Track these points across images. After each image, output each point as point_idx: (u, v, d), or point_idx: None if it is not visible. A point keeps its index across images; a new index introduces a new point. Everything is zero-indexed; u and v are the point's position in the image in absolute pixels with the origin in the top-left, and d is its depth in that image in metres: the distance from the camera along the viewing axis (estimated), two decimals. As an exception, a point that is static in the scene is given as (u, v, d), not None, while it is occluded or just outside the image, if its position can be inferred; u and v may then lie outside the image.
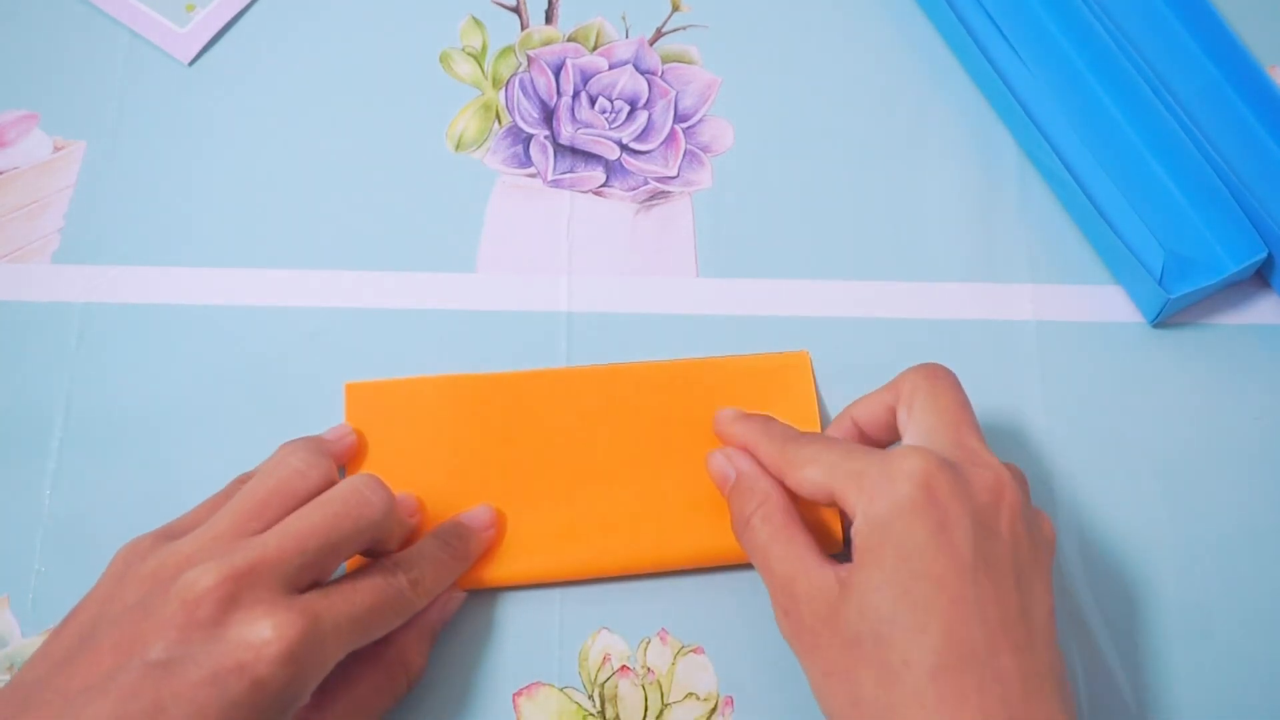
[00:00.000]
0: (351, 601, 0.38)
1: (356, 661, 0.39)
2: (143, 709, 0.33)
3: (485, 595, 0.44)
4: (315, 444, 0.42)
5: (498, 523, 0.44)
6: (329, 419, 0.46)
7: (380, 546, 0.41)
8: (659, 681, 0.43)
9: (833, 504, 0.39)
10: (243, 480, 0.42)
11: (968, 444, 0.39)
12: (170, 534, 0.39)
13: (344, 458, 0.44)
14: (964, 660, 0.35)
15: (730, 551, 0.43)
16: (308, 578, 0.37)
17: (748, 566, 0.43)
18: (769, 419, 0.44)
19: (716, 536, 0.44)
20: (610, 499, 0.45)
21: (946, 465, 0.37)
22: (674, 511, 0.45)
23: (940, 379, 0.41)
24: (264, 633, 0.35)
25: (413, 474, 0.45)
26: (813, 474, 0.39)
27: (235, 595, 0.35)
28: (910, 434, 0.40)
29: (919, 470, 0.37)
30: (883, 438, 0.42)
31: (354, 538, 0.38)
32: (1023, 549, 0.38)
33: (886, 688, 0.35)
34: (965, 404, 0.41)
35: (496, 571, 0.44)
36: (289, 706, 0.36)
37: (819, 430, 0.46)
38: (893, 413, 0.41)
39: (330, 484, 0.40)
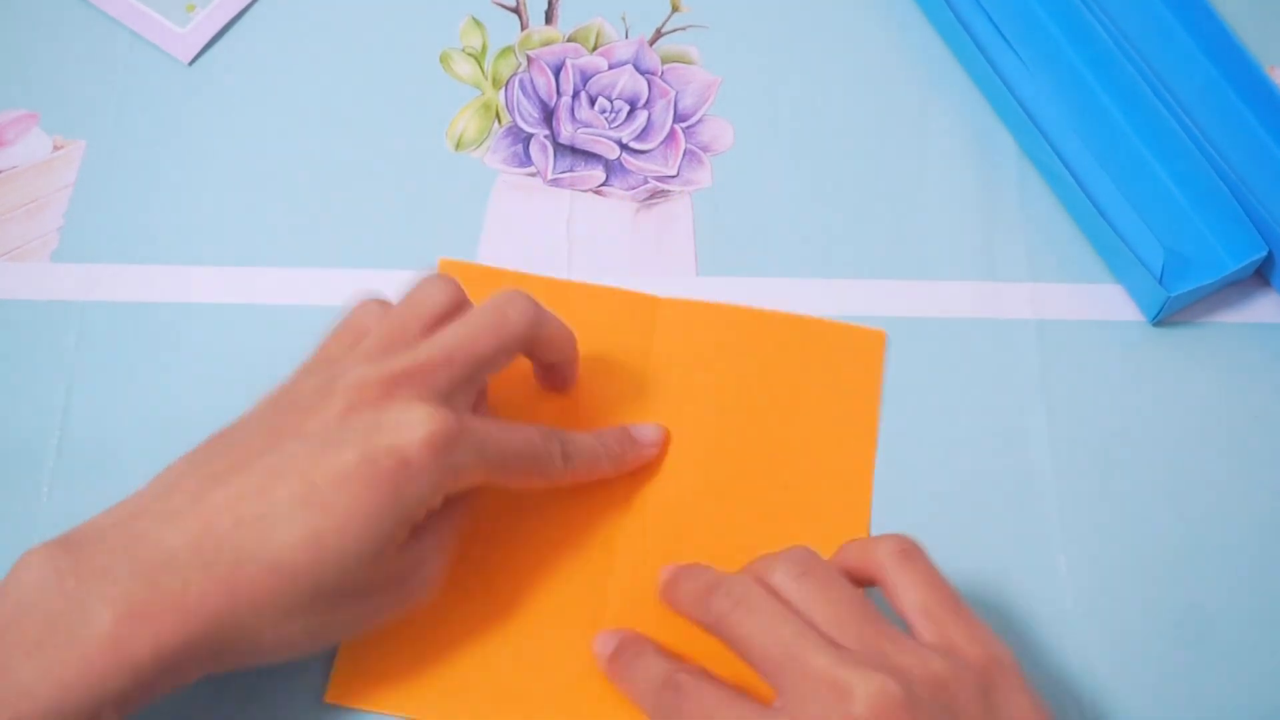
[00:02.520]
0: (503, 433, 0.40)
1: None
2: (291, 487, 0.36)
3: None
4: (445, 276, 0.43)
5: (663, 443, 0.44)
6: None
7: (544, 355, 0.43)
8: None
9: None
10: (364, 301, 0.42)
11: (947, 632, 0.36)
12: (312, 368, 0.41)
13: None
14: None
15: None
16: (456, 390, 0.39)
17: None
18: (692, 565, 0.41)
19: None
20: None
21: (911, 696, 0.33)
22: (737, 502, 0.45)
23: (908, 560, 0.38)
24: (418, 416, 0.37)
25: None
26: (756, 664, 0.36)
27: (393, 391, 0.37)
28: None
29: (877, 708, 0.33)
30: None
31: (498, 352, 0.40)
32: None
33: None
34: (935, 585, 0.37)
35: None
36: (424, 500, 0.37)
37: (877, 411, 0.46)
38: (871, 578, 0.38)
39: (464, 305, 0.42)
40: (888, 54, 0.55)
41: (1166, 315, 0.48)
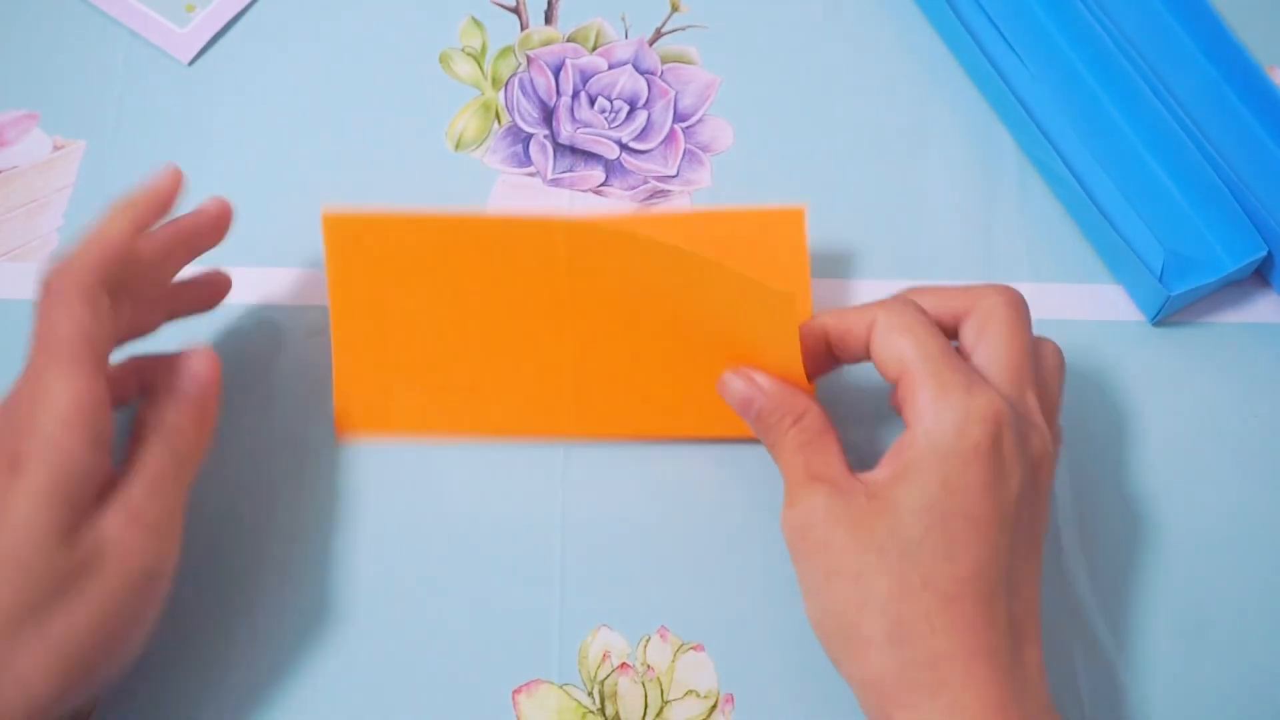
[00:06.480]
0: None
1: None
2: None
3: (483, 592, 0.44)
4: None
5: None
6: (329, 416, 0.46)
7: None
8: (659, 679, 0.43)
9: (895, 379, 0.39)
10: None
11: (1027, 398, 0.39)
12: None
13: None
14: (980, 596, 0.36)
15: (711, 424, 0.45)
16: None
17: (718, 446, 0.45)
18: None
19: (696, 403, 0.45)
20: (587, 356, 0.45)
21: (1017, 420, 0.38)
22: (655, 374, 0.45)
23: (1020, 315, 0.41)
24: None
25: (389, 313, 0.46)
26: (904, 346, 0.39)
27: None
28: (979, 361, 0.40)
29: (994, 418, 0.37)
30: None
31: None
32: (1047, 510, 0.39)
33: (899, 599, 0.36)
34: (1031, 351, 0.40)
35: (467, 421, 0.46)
36: None
37: (809, 289, 0.47)
38: (957, 320, 0.41)
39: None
40: (888, 54, 0.55)
41: (1166, 315, 0.48)
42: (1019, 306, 0.40)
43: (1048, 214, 0.51)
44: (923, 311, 0.40)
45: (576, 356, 0.45)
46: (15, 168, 0.51)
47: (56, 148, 0.52)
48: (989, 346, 0.40)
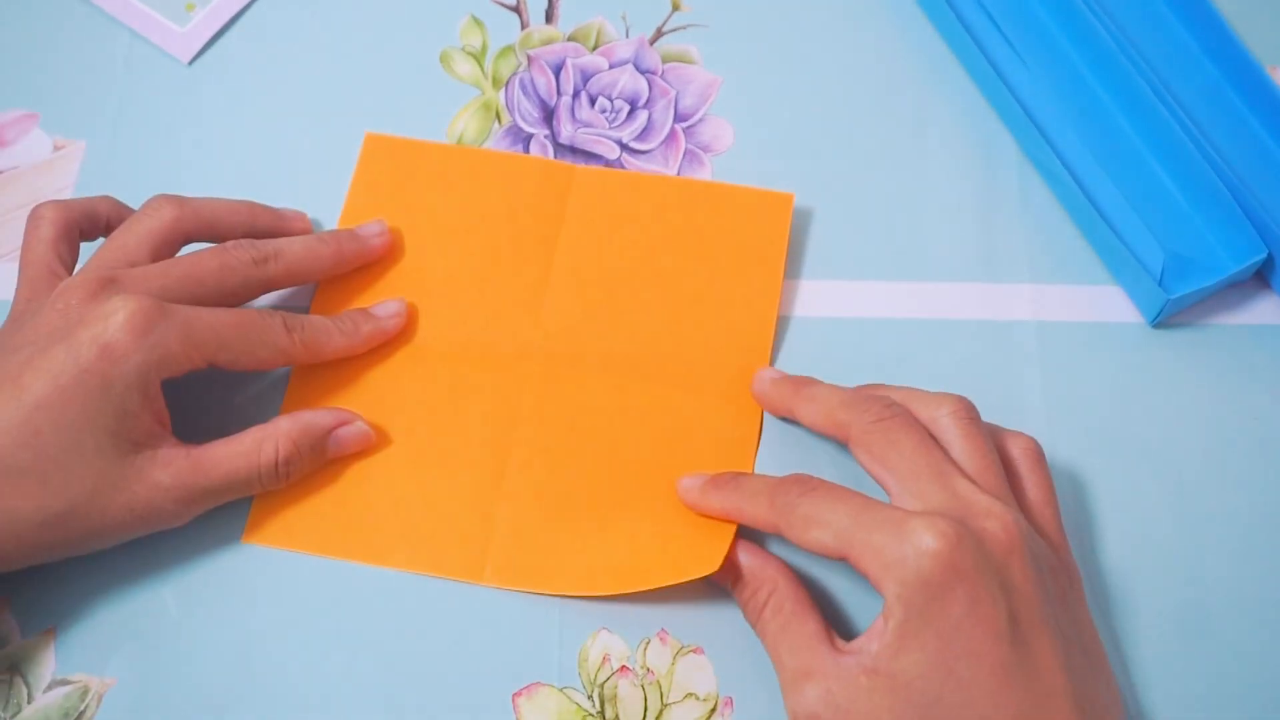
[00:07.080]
0: (215, 314, 0.42)
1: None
2: (4, 394, 0.39)
3: (483, 595, 0.44)
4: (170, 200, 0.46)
5: (406, 314, 0.47)
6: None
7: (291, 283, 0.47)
8: (659, 682, 0.43)
9: (836, 559, 0.38)
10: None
11: (958, 489, 0.39)
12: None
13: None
14: (1008, 714, 0.36)
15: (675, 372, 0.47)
16: (170, 297, 0.42)
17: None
18: (736, 476, 0.43)
19: (665, 355, 0.47)
20: (565, 293, 0.48)
21: (964, 533, 0.37)
22: (629, 316, 0.48)
23: (973, 424, 0.41)
24: (117, 304, 0.40)
25: (407, 241, 0.49)
26: (821, 537, 0.38)
27: (98, 292, 0.41)
28: (896, 490, 0.40)
29: (942, 549, 0.36)
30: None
31: (219, 280, 0.43)
32: (1043, 590, 0.38)
33: None
34: (928, 442, 0.40)
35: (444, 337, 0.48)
36: (132, 385, 0.40)
37: (782, 272, 0.49)
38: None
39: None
40: (888, 54, 0.54)
41: (1166, 317, 0.48)
42: (970, 417, 0.41)
43: (1048, 214, 0.51)
44: (809, 483, 0.40)
45: (555, 291, 0.48)
46: (15, 168, 0.51)
47: (56, 148, 0.52)
48: (892, 474, 0.40)
